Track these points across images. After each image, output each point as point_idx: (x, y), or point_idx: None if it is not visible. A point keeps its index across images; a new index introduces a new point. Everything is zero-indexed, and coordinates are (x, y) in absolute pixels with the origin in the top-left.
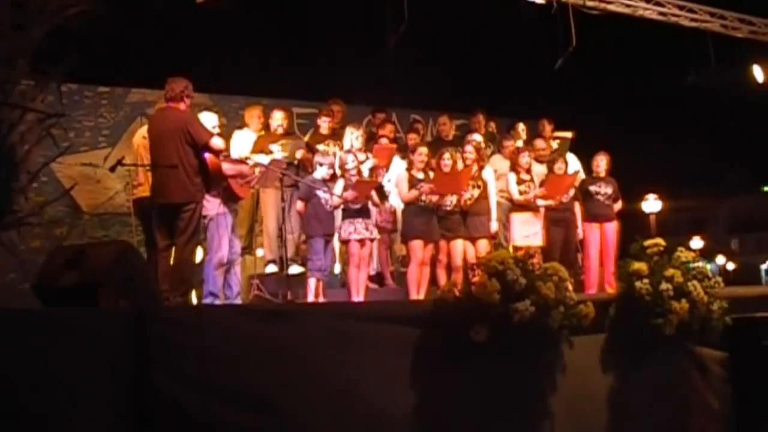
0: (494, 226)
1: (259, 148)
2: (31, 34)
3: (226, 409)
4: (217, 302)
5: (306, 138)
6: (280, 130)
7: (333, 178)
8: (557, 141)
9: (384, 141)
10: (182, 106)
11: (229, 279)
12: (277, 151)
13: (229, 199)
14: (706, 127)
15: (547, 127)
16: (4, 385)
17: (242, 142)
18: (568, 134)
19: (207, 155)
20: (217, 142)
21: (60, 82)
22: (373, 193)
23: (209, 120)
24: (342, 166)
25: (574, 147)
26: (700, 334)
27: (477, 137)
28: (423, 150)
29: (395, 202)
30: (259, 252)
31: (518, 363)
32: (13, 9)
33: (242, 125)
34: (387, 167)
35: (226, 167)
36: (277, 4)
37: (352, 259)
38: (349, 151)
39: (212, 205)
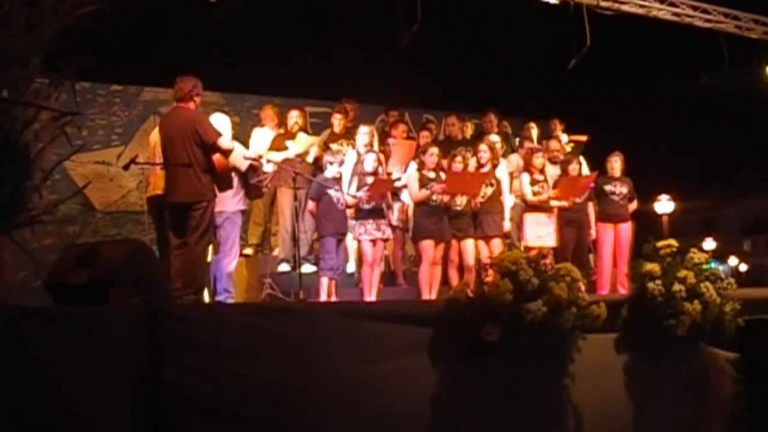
0: (507, 225)
1: (276, 146)
2: (44, 33)
3: (238, 406)
4: (230, 300)
5: (324, 137)
6: (296, 128)
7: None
8: (571, 144)
9: (392, 141)
10: (191, 105)
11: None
12: (292, 147)
13: (256, 195)
14: (718, 127)
15: (558, 127)
16: (15, 383)
17: (261, 140)
18: (583, 137)
19: (215, 155)
20: (225, 142)
21: (73, 80)
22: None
23: (222, 122)
24: (359, 165)
25: (587, 148)
26: (712, 336)
27: (494, 138)
28: (434, 150)
29: (408, 200)
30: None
31: (530, 363)
32: (27, 8)
33: (261, 123)
34: (407, 164)
35: (244, 160)
36: (289, 3)
37: (365, 258)
38: (370, 151)
39: (230, 203)
